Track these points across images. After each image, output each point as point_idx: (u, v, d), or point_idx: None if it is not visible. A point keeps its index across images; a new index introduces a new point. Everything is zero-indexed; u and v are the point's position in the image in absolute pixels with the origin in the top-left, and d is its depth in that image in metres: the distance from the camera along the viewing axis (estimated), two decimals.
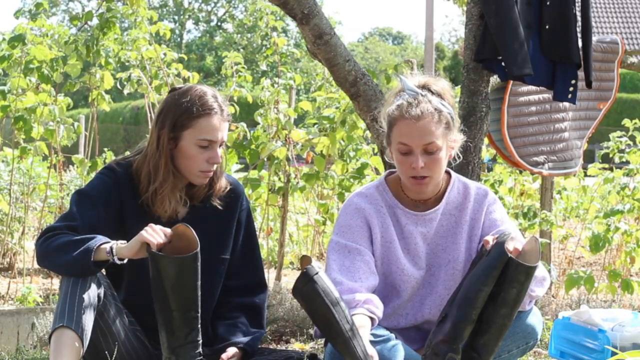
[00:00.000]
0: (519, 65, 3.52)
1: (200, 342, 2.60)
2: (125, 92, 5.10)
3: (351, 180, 4.94)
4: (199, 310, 2.58)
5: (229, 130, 4.91)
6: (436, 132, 2.65)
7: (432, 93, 2.71)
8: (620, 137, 5.88)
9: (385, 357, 2.55)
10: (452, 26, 59.33)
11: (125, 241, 2.58)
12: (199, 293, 2.57)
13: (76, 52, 4.77)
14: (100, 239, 2.59)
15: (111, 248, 2.56)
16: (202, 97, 2.80)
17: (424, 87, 2.73)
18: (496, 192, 5.41)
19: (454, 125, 2.73)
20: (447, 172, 2.86)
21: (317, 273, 2.45)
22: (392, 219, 2.78)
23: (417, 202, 2.80)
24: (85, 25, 4.98)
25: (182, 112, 2.78)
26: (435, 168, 2.68)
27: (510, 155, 4.13)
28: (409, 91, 2.69)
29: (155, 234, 2.54)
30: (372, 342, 2.55)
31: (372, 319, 2.58)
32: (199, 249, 2.53)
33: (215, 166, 2.82)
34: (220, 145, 2.82)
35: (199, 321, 2.59)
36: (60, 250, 2.58)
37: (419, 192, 2.74)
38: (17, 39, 4.78)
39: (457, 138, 2.76)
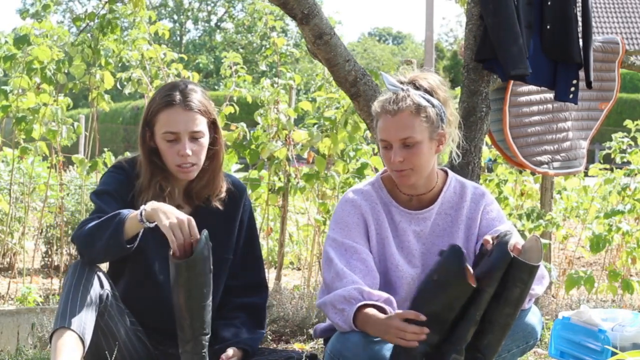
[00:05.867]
0: (515, 65, 3.52)
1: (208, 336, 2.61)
2: (126, 92, 5.10)
3: (356, 179, 4.94)
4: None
5: (229, 130, 4.94)
6: (414, 126, 2.67)
7: (418, 88, 2.72)
8: (622, 137, 5.88)
9: (386, 357, 2.55)
10: (449, 27, 59.33)
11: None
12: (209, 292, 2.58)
13: (82, 53, 4.78)
14: (123, 214, 2.59)
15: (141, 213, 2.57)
16: (167, 90, 2.78)
17: (411, 82, 2.74)
18: (500, 192, 5.40)
19: (443, 120, 2.72)
20: (445, 172, 2.86)
21: None
22: (387, 216, 2.78)
23: (412, 197, 2.80)
24: (87, 26, 4.97)
25: (148, 108, 2.80)
26: (415, 161, 2.69)
27: (514, 155, 4.12)
28: (390, 86, 2.72)
29: (181, 238, 2.53)
30: (372, 342, 2.56)
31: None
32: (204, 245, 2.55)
33: (193, 158, 2.76)
34: (196, 138, 2.76)
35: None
36: (92, 236, 2.60)
37: (403, 184, 2.76)
38: (22, 40, 4.79)
39: (447, 133, 2.75)
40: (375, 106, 2.75)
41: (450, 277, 2.46)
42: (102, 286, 2.62)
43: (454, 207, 2.82)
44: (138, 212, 2.58)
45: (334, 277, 2.67)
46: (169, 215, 2.54)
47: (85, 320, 2.54)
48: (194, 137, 2.77)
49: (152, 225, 2.57)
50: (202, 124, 2.79)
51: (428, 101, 2.69)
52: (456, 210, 2.81)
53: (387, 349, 2.56)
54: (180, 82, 2.84)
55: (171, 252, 2.54)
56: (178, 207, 2.73)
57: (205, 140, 2.80)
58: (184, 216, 2.55)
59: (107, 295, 2.64)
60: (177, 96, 2.76)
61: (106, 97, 5.00)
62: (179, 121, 2.74)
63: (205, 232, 2.56)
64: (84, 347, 2.53)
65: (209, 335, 2.61)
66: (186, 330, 2.58)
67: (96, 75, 4.90)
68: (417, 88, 2.73)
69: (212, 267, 2.58)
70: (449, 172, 2.87)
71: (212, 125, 2.84)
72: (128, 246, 2.59)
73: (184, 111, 2.75)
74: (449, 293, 2.46)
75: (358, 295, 2.57)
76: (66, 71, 4.83)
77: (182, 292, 2.54)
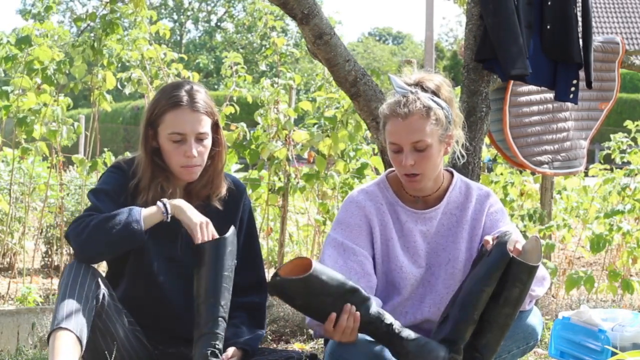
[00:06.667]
0: (515, 65, 3.52)
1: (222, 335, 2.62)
2: (126, 92, 5.10)
3: (355, 179, 4.94)
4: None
5: (229, 130, 4.94)
6: (425, 130, 2.66)
7: (426, 90, 2.71)
8: (622, 137, 5.89)
9: (386, 358, 2.55)
10: (449, 27, 59.29)
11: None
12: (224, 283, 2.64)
13: (83, 54, 4.78)
14: (135, 211, 2.63)
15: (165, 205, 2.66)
16: (172, 90, 2.78)
17: (417, 84, 2.73)
18: (507, 195, 5.40)
19: (450, 122, 2.73)
20: (450, 172, 2.86)
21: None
22: (392, 216, 2.78)
23: (418, 198, 2.80)
24: (88, 26, 4.98)
25: (154, 107, 2.79)
26: (426, 165, 2.69)
27: (514, 155, 4.12)
28: (398, 89, 2.71)
29: (205, 238, 2.65)
30: (372, 342, 2.56)
31: None
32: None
33: (198, 160, 2.78)
34: (201, 139, 2.78)
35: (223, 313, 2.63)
36: (100, 228, 2.60)
37: (412, 189, 2.76)
38: (24, 41, 4.79)
39: (454, 134, 2.76)
40: (384, 109, 2.73)
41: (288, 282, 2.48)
42: (98, 286, 2.62)
43: (459, 207, 2.82)
44: (159, 204, 2.66)
45: None
46: (196, 215, 2.67)
47: (83, 320, 2.53)
48: (200, 138, 2.78)
49: (168, 219, 2.67)
50: (207, 125, 2.80)
51: (437, 104, 2.69)
52: (461, 211, 2.82)
53: (386, 350, 2.56)
54: (184, 82, 2.84)
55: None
56: None
57: (209, 142, 2.82)
58: (205, 218, 2.68)
59: (104, 295, 2.63)
60: (185, 97, 2.76)
61: (108, 97, 5.00)
62: (187, 122, 2.75)
63: (232, 227, 2.70)
64: (81, 347, 2.53)
65: (225, 324, 2.62)
66: (204, 313, 2.59)
67: (98, 75, 4.90)
68: (424, 90, 2.72)
69: (236, 261, 2.69)
70: (455, 172, 2.87)
71: (215, 126, 2.85)
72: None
73: (191, 112, 2.76)
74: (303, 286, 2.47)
75: None
76: (67, 72, 4.83)
77: (204, 271, 2.61)
